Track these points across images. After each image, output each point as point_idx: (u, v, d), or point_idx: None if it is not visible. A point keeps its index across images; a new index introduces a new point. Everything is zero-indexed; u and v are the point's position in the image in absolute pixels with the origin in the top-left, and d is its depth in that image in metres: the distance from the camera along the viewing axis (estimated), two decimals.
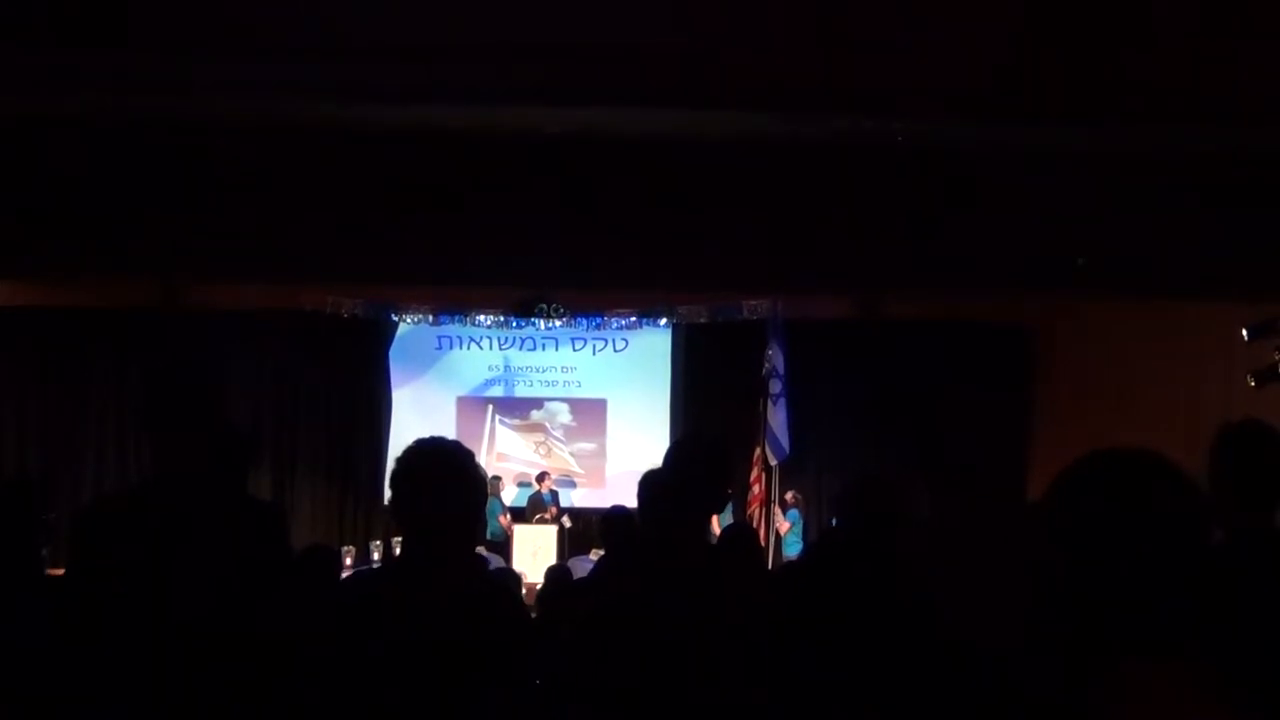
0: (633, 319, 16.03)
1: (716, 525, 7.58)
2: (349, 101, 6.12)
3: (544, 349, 16.65)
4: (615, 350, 16.71)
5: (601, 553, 8.90)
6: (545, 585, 7.45)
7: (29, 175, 7.81)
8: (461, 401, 16.64)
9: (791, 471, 15.17)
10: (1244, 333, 9.05)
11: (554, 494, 15.68)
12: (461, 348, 16.62)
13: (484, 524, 8.11)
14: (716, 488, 3.76)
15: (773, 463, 14.48)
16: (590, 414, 16.81)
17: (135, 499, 3.57)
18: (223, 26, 5.52)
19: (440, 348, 16.59)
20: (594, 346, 16.70)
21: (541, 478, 15.78)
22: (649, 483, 4.44)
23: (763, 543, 13.53)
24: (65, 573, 3.43)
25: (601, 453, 16.76)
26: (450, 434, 13.68)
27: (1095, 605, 1.77)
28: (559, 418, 16.83)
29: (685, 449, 3.81)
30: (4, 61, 5.63)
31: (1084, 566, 1.79)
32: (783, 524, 14.58)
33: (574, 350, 16.70)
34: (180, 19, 5.48)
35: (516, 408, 16.78)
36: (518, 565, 13.44)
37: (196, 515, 3.33)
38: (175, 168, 7.81)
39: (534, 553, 14.14)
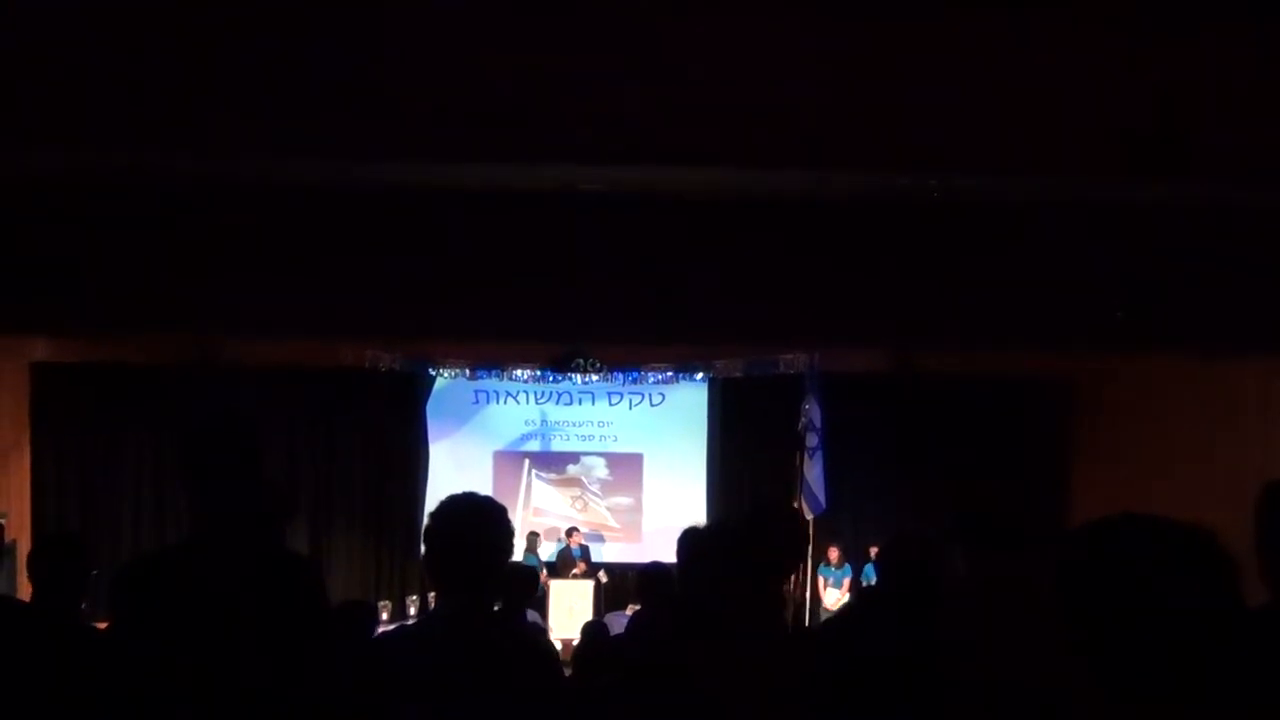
0: (669, 373, 16.05)
1: None
2: (386, 158, 6.18)
3: (580, 403, 16.68)
4: (652, 405, 16.73)
5: (637, 608, 8.85)
6: (581, 642, 7.40)
7: (66, 233, 7.91)
8: (498, 456, 16.68)
9: (828, 526, 15.09)
10: None
11: (584, 549, 15.69)
12: (498, 402, 16.69)
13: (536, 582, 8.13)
14: (791, 557, 3.89)
15: (809, 516, 14.43)
16: (627, 468, 16.82)
17: (175, 555, 3.59)
18: (259, 82, 5.59)
19: (477, 402, 16.66)
20: (630, 401, 16.72)
21: (570, 533, 15.81)
22: (692, 539, 4.41)
23: (800, 596, 13.48)
24: (107, 630, 3.44)
25: (638, 507, 16.74)
26: (487, 488, 13.62)
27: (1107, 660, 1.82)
28: (595, 472, 16.85)
29: (765, 517, 3.89)
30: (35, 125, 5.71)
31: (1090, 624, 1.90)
32: (836, 597, 14.56)
33: (610, 405, 16.72)
34: (217, 77, 5.55)
35: (553, 462, 16.80)
36: (553, 620, 13.43)
37: (235, 571, 3.34)
38: (214, 224, 7.90)
39: (570, 608, 14.14)
